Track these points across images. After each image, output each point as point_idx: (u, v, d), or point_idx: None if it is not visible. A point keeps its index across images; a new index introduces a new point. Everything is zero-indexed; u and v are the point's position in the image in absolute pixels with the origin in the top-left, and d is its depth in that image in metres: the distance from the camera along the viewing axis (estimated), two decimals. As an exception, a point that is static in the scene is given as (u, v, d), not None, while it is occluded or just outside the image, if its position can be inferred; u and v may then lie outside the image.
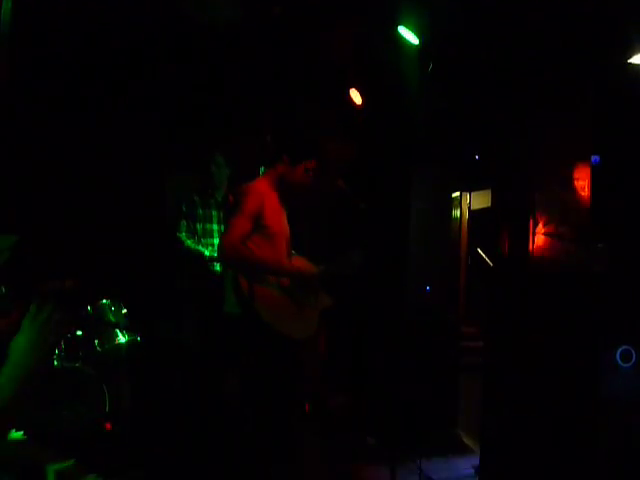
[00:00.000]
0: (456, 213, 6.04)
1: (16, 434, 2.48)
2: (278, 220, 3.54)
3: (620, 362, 3.16)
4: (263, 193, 3.49)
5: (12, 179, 4.89)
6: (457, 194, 6.09)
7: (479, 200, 6.29)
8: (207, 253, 4.82)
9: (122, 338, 4.44)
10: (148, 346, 4.56)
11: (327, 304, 3.66)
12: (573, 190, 3.60)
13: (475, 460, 4.03)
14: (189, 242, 4.86)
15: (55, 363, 4.11)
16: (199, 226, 4.92)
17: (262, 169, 4.97)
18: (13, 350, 1.65)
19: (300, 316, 3.48)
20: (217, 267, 4.79)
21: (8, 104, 4.13)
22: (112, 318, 4.49)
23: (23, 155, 5.11)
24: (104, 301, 4.51)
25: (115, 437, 2.38)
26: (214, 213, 4.96)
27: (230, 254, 3.34)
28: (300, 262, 3.64)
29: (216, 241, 4.88)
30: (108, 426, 2.42)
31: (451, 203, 5.75)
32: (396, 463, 3.49)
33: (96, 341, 4.36)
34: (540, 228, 3.81)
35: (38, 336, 1.67)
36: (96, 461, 2.13)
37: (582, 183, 3.60)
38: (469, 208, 6.46)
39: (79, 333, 4.34)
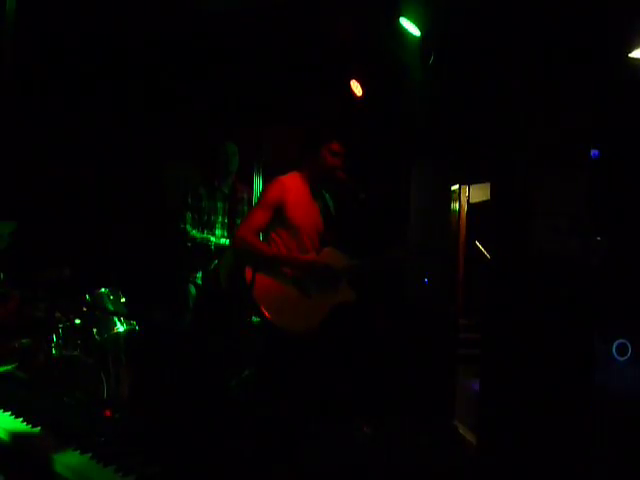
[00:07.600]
0: (455, 206, 6.03)
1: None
2: (303, 213, 3.56)
3: (616, 355, 3.18)
4: (287, 185, 3.53)
5: (11, 166, 4.90)
6: (456, 187, 6.08)
7: (478, 193, 6.29)
8: (213, 240, 4.83)
9: (120, 327, 4.45)
10: (146, 335, 4.57)
11: (348, 299, 3.62)
12: (572, 183, 3.61)
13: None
14: (194, 232, 4.86)
15: (54, 352, 4.12)
16: (204, 218, 4.93)
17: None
18: None
19: (298, 308, 3.46)
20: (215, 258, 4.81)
21: (9, 92, 4.14)
22: (111, 307, 4.50)
23: (23, 142, 5.11)
24: (103, 290, 4.53)
25: (114, 424, 2.38)
26: (219, 205, 4.97)
27: (239, 245, 3.43)
28: (328, 255, 3.61)
29: (218, 232, 4.91)
30: (107, 413, 2.43)
31: (450, 196, 5.75)
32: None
33: (94, 330, 4.38)
34: (538, 221, 3.82)
35: None
36: (95, 447, 2.13)
37: (581, 177, 3.61)
38: (468, 201, 6.46)
39: (77, 322, 4.35)
